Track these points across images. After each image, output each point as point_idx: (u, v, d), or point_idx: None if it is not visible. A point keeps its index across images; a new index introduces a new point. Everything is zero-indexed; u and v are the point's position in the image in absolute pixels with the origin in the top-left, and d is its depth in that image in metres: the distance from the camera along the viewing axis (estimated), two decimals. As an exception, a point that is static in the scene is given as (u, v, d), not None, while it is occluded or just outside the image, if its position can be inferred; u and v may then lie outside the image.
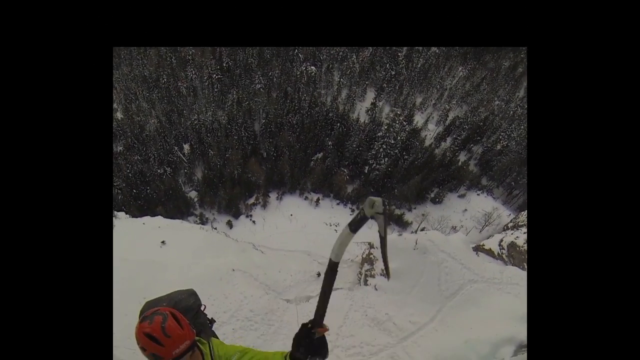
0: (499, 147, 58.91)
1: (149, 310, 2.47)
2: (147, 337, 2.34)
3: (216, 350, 2.86)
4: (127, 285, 16.47)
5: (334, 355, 16.79)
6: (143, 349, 2.41)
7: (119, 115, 53.85)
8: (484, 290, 19.68)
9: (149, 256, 18.61)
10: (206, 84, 58.46)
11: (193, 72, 59.26)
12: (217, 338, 3.26)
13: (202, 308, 3.32)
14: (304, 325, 2.44)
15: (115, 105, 55.08)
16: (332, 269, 2.26)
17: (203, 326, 3.22)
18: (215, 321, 3.46)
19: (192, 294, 3.25)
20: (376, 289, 19.48)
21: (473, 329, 17.35)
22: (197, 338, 2.68)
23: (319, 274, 20.62)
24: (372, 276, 19.94)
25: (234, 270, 19.41)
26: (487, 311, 17.85)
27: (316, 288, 19.73)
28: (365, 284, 19.87)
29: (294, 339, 2.42)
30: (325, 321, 2.31)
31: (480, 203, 51.45)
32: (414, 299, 19.38)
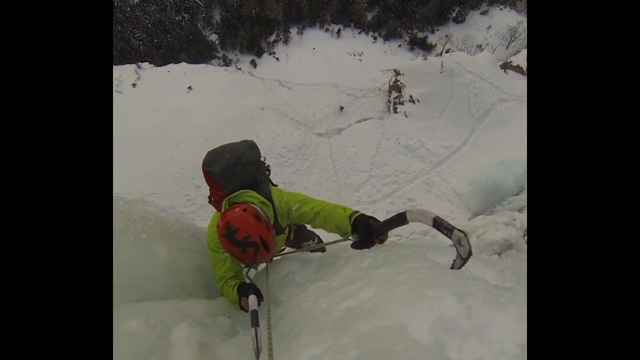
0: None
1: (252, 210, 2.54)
2: (251, 246, 2.48)
3: (277, 201, 3.09)
4: (159, 133, 17.28)
5: (369, 185, 17.94)
6: (250, 245, 2.50)
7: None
8: (515, 108, 19.91)
9: (178, 103, 19.01)
10: None
11: None
12: (277, 186, 3.41)
13: (262, 159, 3.26)
14: (372, 219, 2.67)
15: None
16: (403, 217, 2.33)
17: (263, 177, 3.19)
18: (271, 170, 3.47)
19: (253, 147, 3.15)
20: (406, 116, 20.00)
21: (507, 150, 17.81)
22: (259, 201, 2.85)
23: (341, 108, 20.84)
24: (401, 103, 20.22)
25: (262, 108, 19.91)
26: (520, 130, 18.15)
27: (346, 120, 20.17)
28: (395, 111, 20.31)
29: (358, 221, 2.69)
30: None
31: (504, 18, 48.50)
32: (445, 123, 19.91)
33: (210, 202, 3.09)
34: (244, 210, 2.51)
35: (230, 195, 2.79)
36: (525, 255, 8.32)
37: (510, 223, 9.95)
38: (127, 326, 1.62)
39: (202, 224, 3.83)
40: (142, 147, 16.76)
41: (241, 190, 2.84)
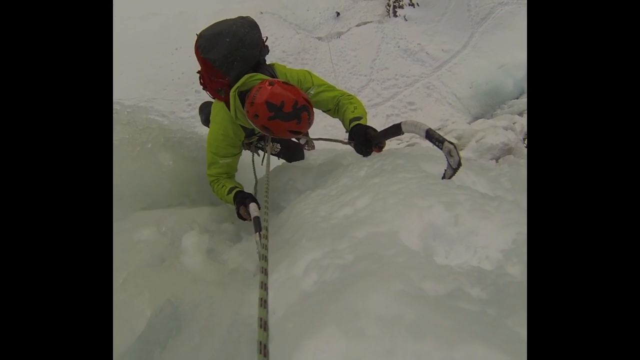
0: None
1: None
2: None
3: (278, 72, 2.88)
4: (159, 38, 16.77)
5: (369, 88, 17.69)
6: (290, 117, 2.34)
7: None
8: (515, 12, 19.15)
9: (178, 8, 18.25)
10: None
11: None
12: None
13: (264, 40, 2.89)
14: (371, 129, 2.63)
15: None
16: (398, 128, 2.38)
17: (263, 57, 2.91)
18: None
19: (254, 26, 2.72)
20: (406, 20, 19.25)
21: (507, 53, 17.33)
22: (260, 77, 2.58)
23: (337, 14, 19.98)
24: (401, 7, 19.39)
25: (262, 13, 19.10)
26: (520, 34, 17.57)
27: (346, 24, 19.47)
28: (395, 15, 19.51)
29: (356, 129, 2.66)
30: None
31: None
32: (445, 26, 19.23)
33: (205, 88, 2.85)
34: (270, 84, 2.32)
35: (237, 85, 2.52)
36: (522, 161, 8.45)
37: (510, 127, 10.01)
38: (141, 234, 1.74)
39: (203, 130, 3.82)
40: (142, 53, 16.36)
41: (246, 76, 2.54)
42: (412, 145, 10.33)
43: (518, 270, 1.42)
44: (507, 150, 9.05)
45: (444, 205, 1.69)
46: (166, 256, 1.82)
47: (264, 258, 1.24)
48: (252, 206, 2.40)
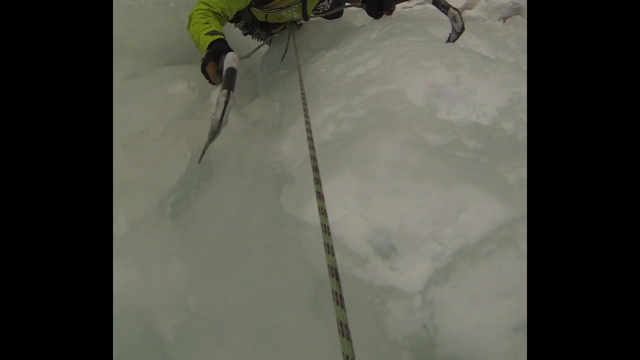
0: None
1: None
2: None
3: None
4: None
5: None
6: None
7: None
8: None
9: None
10: None
11: None
12: None
13: None
14: None
15: None
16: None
17: None
18: None
19: None
20: None
21: None
22: None
23: None
24: None
25: None
26: None
27: None
28: None
29: None
30: None
31: None
32: None
33: None
34: None
35: None
36: (529, 21, 8.12)
37: (520, -14, 9.45)
38: (175, 89, 1.86)
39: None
40: None
41: None
42: (422, 3, 9.85)
43: (511, 126, 1.56)
44: (516, 10, 8.64)
45: (446, 67, 1.79)
46: (193, 110, 1.96)
47: (315, 169, 1.13)
48: (231, 55, 1.82)
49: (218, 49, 1.92)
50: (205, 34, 2.03)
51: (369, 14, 2.74)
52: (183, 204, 1.47)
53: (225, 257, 1.26)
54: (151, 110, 1.71)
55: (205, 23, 2.12)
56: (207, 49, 1.97)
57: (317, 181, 1.06)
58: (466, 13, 7.42)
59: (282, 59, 2.91)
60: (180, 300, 1.10)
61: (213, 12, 2.22)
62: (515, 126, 1.57)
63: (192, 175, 1.60)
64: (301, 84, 1.70)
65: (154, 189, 1.40)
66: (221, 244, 1.31)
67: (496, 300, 1.02)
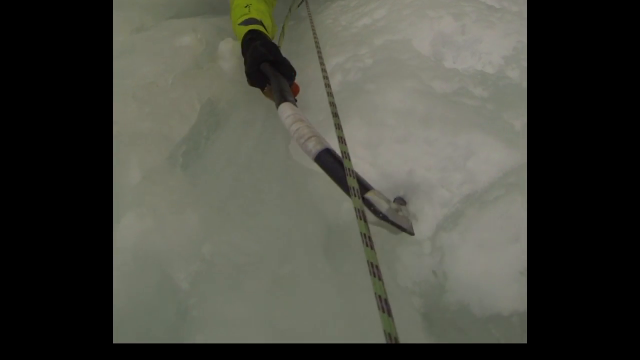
0: None
1: None
2: None
3: None
4: None
5: None
6: None
7: None
8: None
9: None
10: None
11: None
12: None
13: None
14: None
15: None
16: None
17: None
18: None
19: None
20: None
21: None
22: None
23: None
24: None
25: None
26: None
27: None
28: None
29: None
30: None
31: None
32: None
33: None
34: None
35: None
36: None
37: None
38: (182, 41, 1.83)
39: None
40: None
41: None
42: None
43: (516, 74, 1.55)
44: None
45: (452, 16, 1.76)
46: (200, 62, 1.94)
47: (335, 115, 1.10)
48: (285, 108, 1.26)
49: (257, 55, 1.49)
50: (239, 24, 1.70)
51: None
52: (194, 155, 1.47)
53: (238, 206, 1.28)
54: (159, 63, 1.68)
55: (245, 6, 1.77)
56: (242, 45, 1.64)
57: (338, 126, 1.07)
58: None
59: (298, 5, 2.70)
60: (195, 248, 1.12)
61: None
62: (521, 74, 1.56)
63: (201, 127, 1.60)
64: (314, 33, 1.69)
65: (166, 139, 1.40)
66: (233, 193, 1.33)
67: (504, 245, 1.05)
